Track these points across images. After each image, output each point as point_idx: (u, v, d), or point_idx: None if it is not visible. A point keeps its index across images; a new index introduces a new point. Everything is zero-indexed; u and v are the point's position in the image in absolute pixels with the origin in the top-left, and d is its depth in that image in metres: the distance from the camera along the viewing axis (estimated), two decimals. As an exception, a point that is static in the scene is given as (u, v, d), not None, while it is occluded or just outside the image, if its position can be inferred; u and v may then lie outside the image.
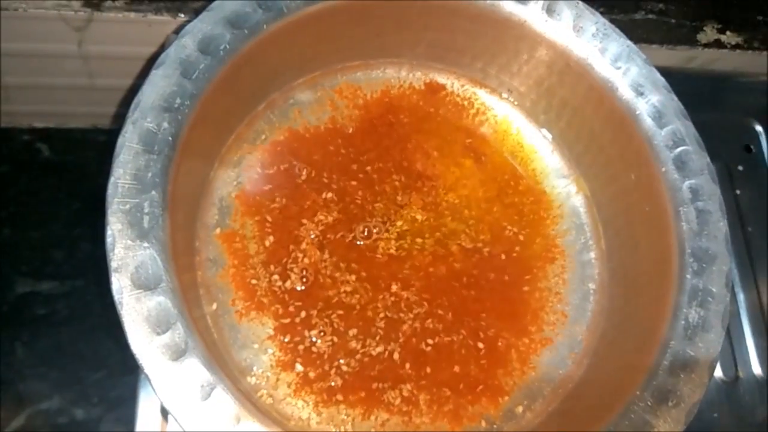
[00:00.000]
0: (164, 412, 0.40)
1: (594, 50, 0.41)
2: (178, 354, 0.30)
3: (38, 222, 0.63)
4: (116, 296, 0.30)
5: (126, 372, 0.58)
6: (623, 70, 0.41)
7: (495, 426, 0.39)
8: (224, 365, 0.35)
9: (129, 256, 0.31)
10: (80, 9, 0.48)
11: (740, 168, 0.57)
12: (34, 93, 0.59)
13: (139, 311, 0.30)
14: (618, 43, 0.42)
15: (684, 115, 0.41)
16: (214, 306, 0.39)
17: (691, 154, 0.39)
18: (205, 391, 0.30)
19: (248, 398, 0.32)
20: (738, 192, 0.56)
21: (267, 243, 0.40)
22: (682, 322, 0.36)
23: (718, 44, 0.59)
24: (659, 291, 0.38)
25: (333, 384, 0.38)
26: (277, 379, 0.38)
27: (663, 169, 0.39)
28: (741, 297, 0.53)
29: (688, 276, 0.37)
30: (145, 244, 0.31)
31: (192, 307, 0.34)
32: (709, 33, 0.59)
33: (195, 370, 0.30)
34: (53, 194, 0.64)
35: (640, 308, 0.40)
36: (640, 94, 0.41)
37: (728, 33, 0.59)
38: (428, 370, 0.40)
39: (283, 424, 0.37)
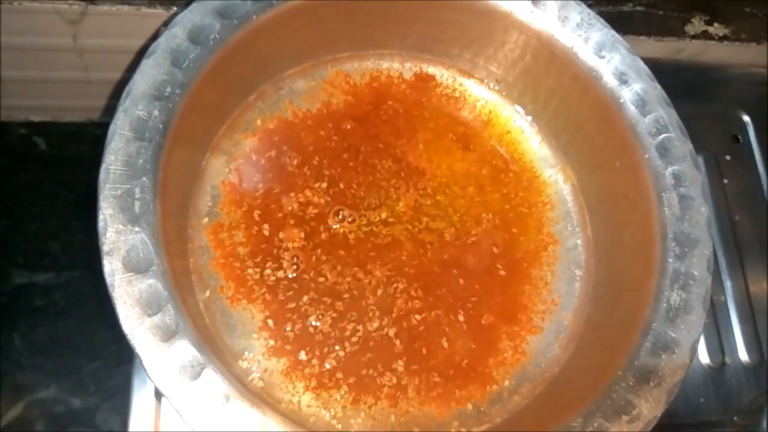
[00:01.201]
0: (158, 395, 0.41)
1: (578, 40, 0.42)
2: (168, 335, 0.31)
3: (35, 214, 0.64)
4: (108, 279, 0.31)
5: (122, 362, 0.59)
6: (607, 58, 0.42)
7: (482, 409, 0.40)
8: (216, 349, 0.36)
9: (120, 240, 0.32)
10: (74, 2, 0.49)
11: (728, 158, 0.58)
12: (29, 87, 0.60)
13: (131, 293, 0.31)
14: (602, 32, 0.42)
15: (667, 102, 0.41)
16: (207, 293, 0.39)
17: (674, 141, 0.40)
18: (195, 371, 0.31)
19: (240, 381, 0.33)
20: (725, 181, 0.57)
21: (256, 231, 0.41)
22: (664, 305, 0.37)
23: (705, 36, 0.59)
24: (642, 275, 0.39)
25: (324, 369, 0.39)
26: (269, 364, 0.39)
27: (646, 156, 0.40)
28: (728, 285, 0.54)
29: (671, 260, 0.38)
30: (137, 229, 0.32)
31: (184, 293, 0.35)
32: (696, 25, 0.59)
33: (185, 350, 0.31)
34: (50, 187, 0.65)
35: (624, 292, 0.40)
36: (624, 82, 0.41)
37: (716, 25, 0.60)
38: (423, 351, 0.40)
39: (274, 406, 0.37)
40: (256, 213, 0.42)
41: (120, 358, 0.59)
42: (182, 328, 0.31)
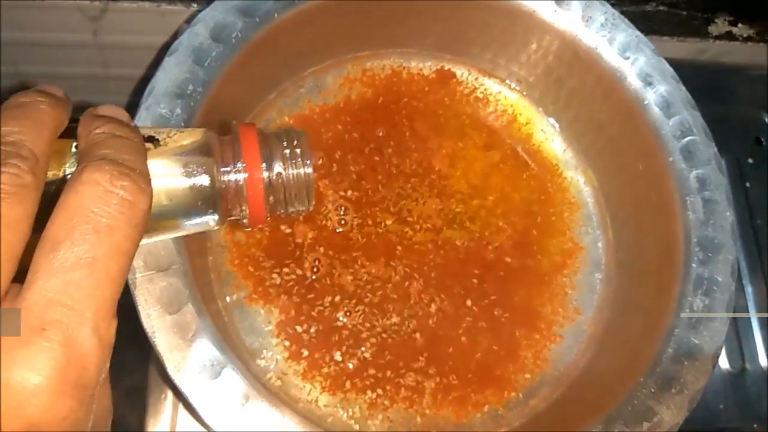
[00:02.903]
0: (176, 393, 0.41)
1: (602, 40, 0.42)
2: (189, 334, 0.31)
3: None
4: (129, 277, 0.31)
5: (138, 359, 0.59)
6: (631, 60, 0.41)
7: (499, 412, 0.40)
8: (234, 348, 0.36)
9: (142, 238, 0.32)
10: (96, -2, 0.49)
11: (750, 161, 0.57)
12: (49, 82, 0.60)
13: (152, 291, 0.31)
14: (626, 33, 0.42)
15: (692, 104, 0.41)
16: (225, 290, 0.39)
17: (699, 144, 0.40)
18: (215, 370, 0.31)
19: (257, 380, 0.33)
20: (748, 184, 0.56)
21: (270, 231, 0.41)
22: (687, 311, 0.36)
23: (729, 36, 0.59)
24: (665, 280, 0.38)
25: (343, 369, 0.39)
26: (286, 363, 0.39)
27: (670, 159, 0.40)
28: (749, 290, 0.53)
29: (694, 265, 0.37)
30: (158, 227, 0.32)
31: (204, 291, 0.35)
32: (720, 25, 0.58)
33: (205, 349, 0.31)
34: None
35: (646, 297, 0.40)
36: (649, 84, 0.41)
37: (740, 25, 0.59)
38: (444, 352, 0.40)
39: (291, 405, 0.37)
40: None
41: (136, 355, 0.59)
42: (202, 327, 0.31)
